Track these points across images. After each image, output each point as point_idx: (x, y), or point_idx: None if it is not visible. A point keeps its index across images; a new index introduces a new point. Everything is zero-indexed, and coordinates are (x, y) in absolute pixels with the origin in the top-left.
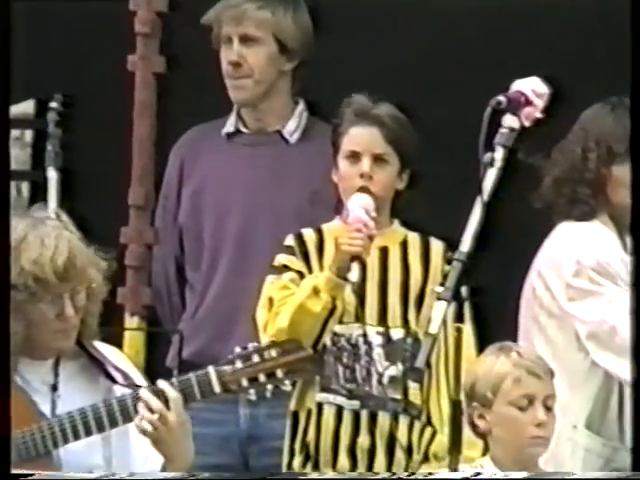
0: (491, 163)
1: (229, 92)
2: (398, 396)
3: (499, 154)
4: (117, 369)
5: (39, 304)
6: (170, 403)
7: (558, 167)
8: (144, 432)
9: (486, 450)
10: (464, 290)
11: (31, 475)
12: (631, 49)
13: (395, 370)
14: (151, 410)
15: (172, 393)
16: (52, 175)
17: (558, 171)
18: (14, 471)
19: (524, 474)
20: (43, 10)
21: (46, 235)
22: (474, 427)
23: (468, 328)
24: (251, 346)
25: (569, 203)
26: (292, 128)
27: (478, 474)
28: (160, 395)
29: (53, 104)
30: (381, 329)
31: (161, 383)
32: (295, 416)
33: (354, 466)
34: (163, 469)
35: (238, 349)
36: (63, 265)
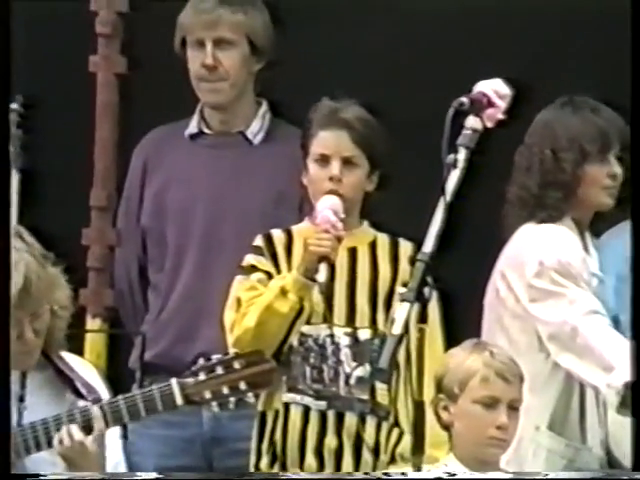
0: (454, 164)
1: (201, 95)
2: (365, 397)
3: (462, 155)
4: (83, 382)
5: None
6: (94, 432)
7: (525, 173)
8: (61, 455)
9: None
10: (427, 290)
11: (31, 475)
12: (631, 50)
13: (362, 371)
14: (72, 437)
15: (99, 424)
16: (13, 176)
17: (525, 177)
18: (14, 471)
19: (504, 474)
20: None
21: None
22: (438, 418)
23: (435, 328)
24: (215, 358)
25: (537, 207)
26: (256, 129)
27: (454, 475)
28: (87, 420)
29: (13, 105)
30: (349, 330)
31: (95, 410)
32: (262, 416)
33: (321, 466)
34: None
35: (202, 361)
36: (17, 295)
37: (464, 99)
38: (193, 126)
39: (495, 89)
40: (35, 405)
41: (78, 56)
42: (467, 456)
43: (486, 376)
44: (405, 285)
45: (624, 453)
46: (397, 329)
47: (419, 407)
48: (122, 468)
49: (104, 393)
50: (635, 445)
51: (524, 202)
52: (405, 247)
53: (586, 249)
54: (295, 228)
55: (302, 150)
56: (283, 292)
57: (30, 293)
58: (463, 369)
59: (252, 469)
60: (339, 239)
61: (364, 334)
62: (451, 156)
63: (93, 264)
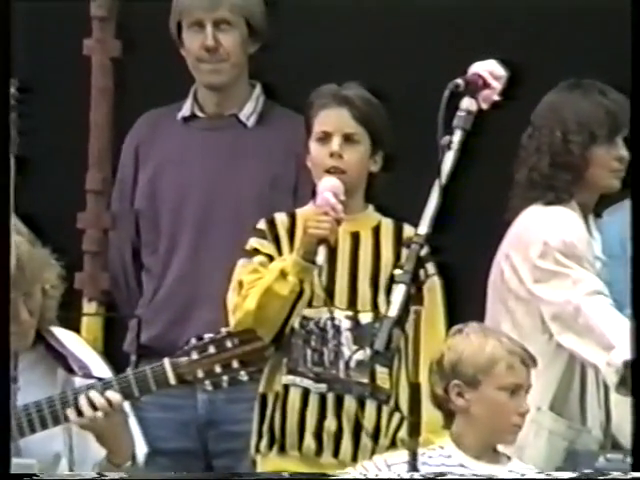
0: (449, 146)
1: (201, 77)
2: (365, 380)
3: (457, 137)
4: (75, 359)
5: None
6: (113, 405)
7: (535, 154)
8: (85, 427)
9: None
10: (422, 272)
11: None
12: (631, 45)
13: (363, 354)
14: (95, 407)
15: (115, 397)
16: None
17: (535, 159)
18: (14, 471)
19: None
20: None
21: None
22: (446, 403)
23: (436, 311)
24: (207, 337)
25: (545, 189)
26: (249, 112)
27: (441, 474)
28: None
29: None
30: (350, 313)
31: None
32: (263, 398)
33: (320, 449)
34: (107, 460)
35: (194, 340)
36: (12, 275)
37: (459, 80)
38: (187, 109)
39: (490, 70)
40: (27, 384)
41: (73, 40)
42: (479, 441)
43: (511, 363)
44: (400, 267)
45: (626, 436)
46: (393, 311)
47: (415, 389)
48: None
49: (100, 367)
50: (635, 424)
51: (533, 183)
52: (409, 232)
53: (590, 232)
54: (299, 211)
55: (306, 133)
56: (283, 274)
57: (24, 273)
58: (485, 355)
59: (253, 450)
60: (339, 221)
61: (365, 318)
62: (446, 138)
63: (89, 248)
